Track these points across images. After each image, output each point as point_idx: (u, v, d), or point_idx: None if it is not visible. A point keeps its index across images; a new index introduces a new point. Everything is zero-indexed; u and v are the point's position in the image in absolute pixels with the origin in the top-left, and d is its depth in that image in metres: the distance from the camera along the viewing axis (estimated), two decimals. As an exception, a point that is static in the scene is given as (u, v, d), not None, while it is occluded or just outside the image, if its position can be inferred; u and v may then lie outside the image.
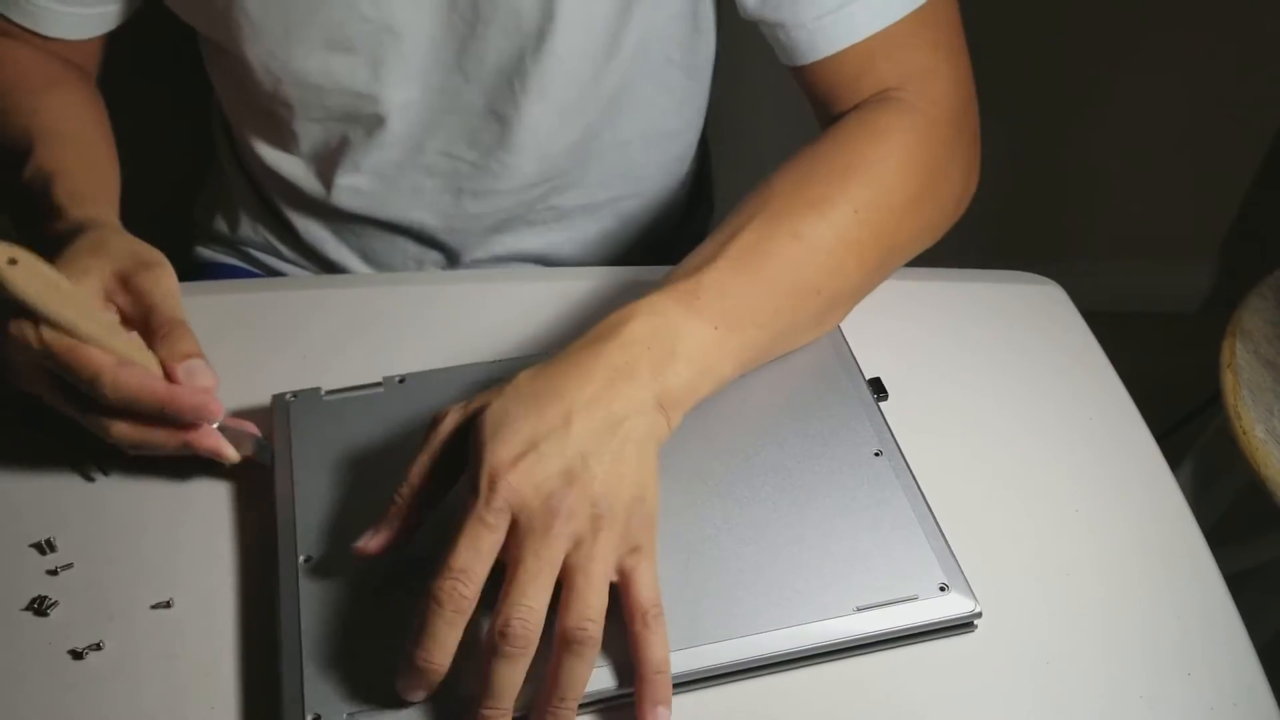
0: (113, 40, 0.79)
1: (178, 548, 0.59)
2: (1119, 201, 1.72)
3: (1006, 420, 0.66)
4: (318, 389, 0.64)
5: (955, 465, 0.63)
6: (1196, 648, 0.56)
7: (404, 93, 0.76)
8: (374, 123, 0.78)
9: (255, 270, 0.94)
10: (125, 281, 0.60)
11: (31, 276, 0.54)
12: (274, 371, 0.67)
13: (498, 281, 0.76)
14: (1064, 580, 0.59)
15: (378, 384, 0.64)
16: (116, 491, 0.61)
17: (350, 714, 0.50)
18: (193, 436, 0.58)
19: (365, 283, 0.78)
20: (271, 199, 0.88)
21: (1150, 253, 1.80)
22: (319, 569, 0.56)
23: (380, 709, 0.51)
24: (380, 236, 0.87)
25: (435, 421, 0.54)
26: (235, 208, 0.92)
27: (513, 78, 0.75)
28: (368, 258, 0.89)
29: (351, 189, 0.83)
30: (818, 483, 0.59)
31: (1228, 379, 0.96)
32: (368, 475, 0.60)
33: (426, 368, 0.65)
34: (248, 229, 0.92)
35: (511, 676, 0.49)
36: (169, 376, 0.58)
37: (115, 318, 0.60)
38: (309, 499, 0.59)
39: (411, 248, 0.88)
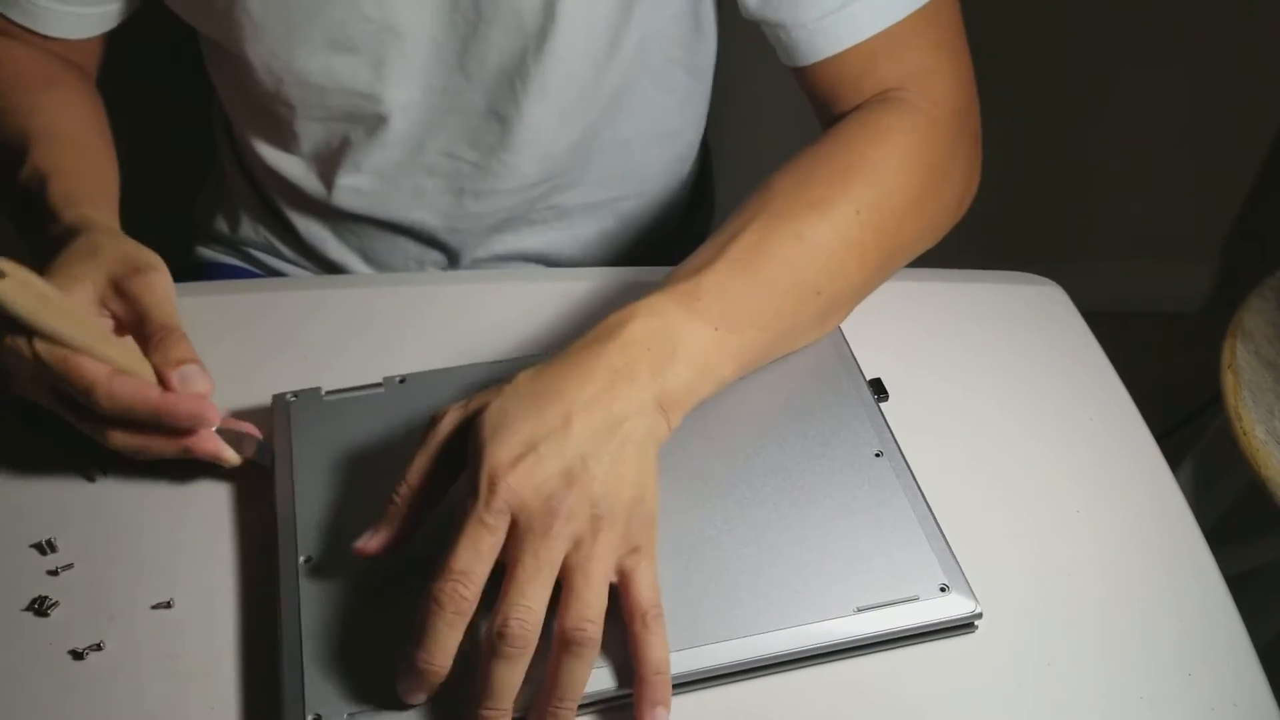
0: (113, 39, 0.79)
1: (178, 548, 0.59)
2: (1120, 201, 1.73)
3: (1007, 421, 0.66)
4: (318, 389, 0.64)
5: (956, 466, 0.63)
6: (1197, 648, 0.56)
7: (406, 93, 0.76)
8: (375, 122, 0.78)
9: (256, 270, 0.94)
10: (118, 287, 0.60)
11: (22, 290, 0.54)
12: (274, 372, 0.67)
13: (498, 282, 0.76)
14: (1064, 581, 0.59)
15: (378, 384, 0.64)
16: (117, 492, 0.61)
17: (351, 714, 0.50)
18: (191, 442, 0.58)
19: (366, 283, 0.78)
20: (272, 199, 0.88)
21: (1151, 253, 1.80)
22: (319, 569, 0.56)
23: (381, 709, 0.51)
24: (381, 236, 0.87)
25: (434, 421, 0.54)
26: (236, 208, 0.92)
27: (514, 78, 0.75)
28: (368, 258, 0.89)
29: (353, 189, 0.83)
30: (818, 483, 0.59)
31: (1228, 380, 0.96)
32: (368, 475, 0.60)
33: (427, 368, 0.65)
34: (248, 229, 0.92)
35: (510, 677, 0.49)
36: (164, 383, 0.58)
37: (109, 325, 0.60)
38: (309, 499, 0.59)
39: (412, 247, 0.88)
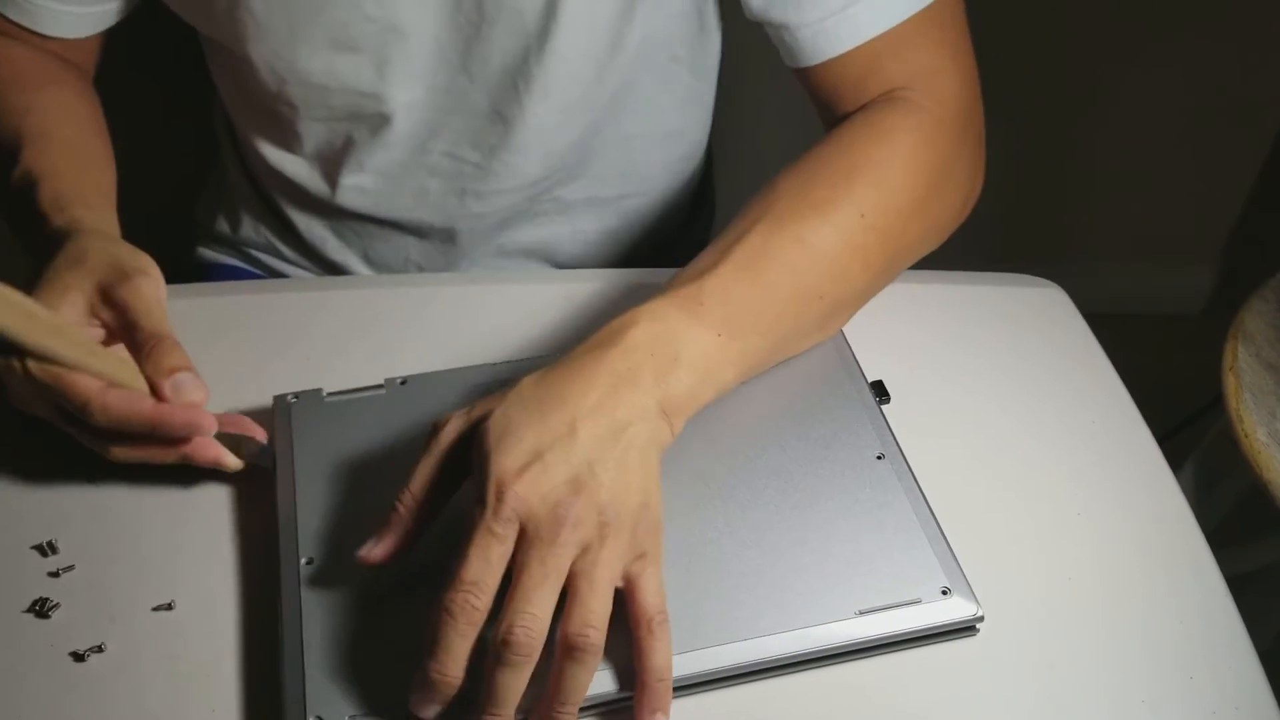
0: (113, 39, 0.79)
1: (179, 550, 0.59)
2: (1121, 202, 1.73)
3: (1008, 423, 0.66)
4: (319, 390, 0.64)
5: (957, 468, 0.63)
6: (1198, 651, 0.56)
7: (409, 92, 0.76)
8: (379, 122, 0.78)
9: (257, 271, 0.94)
10: (107, 295, 0.59)
11: (9, 310, 0.54)
12: (276, 373, 0.67)
13: (500, 283, 0.76)
14: (1066, 583, 0.59)
15: (379, 386, 0.64)
16: (118, 493, 0.61)
17: (352, 716, 0.50)
18: (191, 450, 0.59)
19: (367, 284, 0.78)
20: (274, 199, 0.88)
21: (1152, 254, 1.80)
22: (321, 571, 0.56)
23: (382, 710, 0.51)
24: (383, 236, 0.87)
25: (436, 429, 0.54)
26: (237, 208, 0.92)
27: (516, 78, 0.75)
28: (369, 258, 0.89)
29: (357, 189, 0.83)
30: (820, 486, 0.59)
31: (1229, 382, 0.96)
32: (369, 477, 0.60)
33: (428, 369, 0.65)
34: (249, 229, 0.92)
35: (514, 684, 0.48)
36: (157, 394, 0.58)
37: (99, 336, 0.60)
38: (310, 501, 0.59)
39: (414, 247, 0.88)
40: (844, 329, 0.67)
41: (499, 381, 0.56)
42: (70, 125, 0.73)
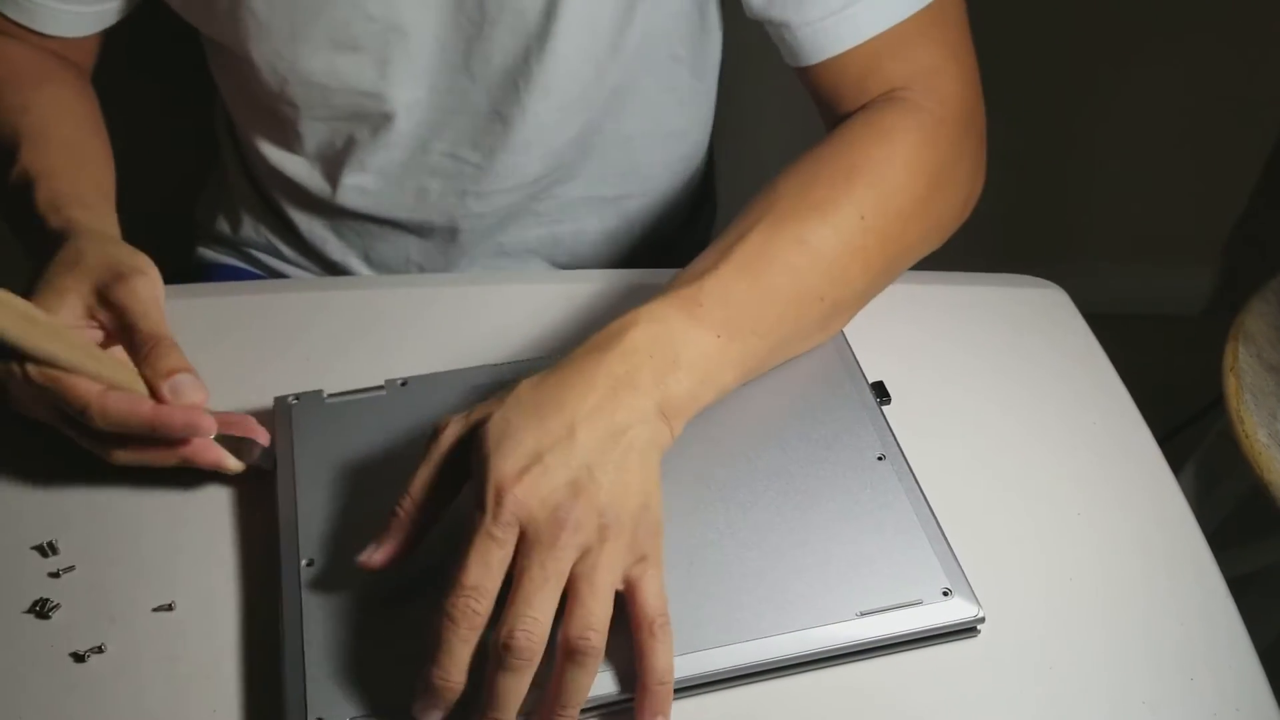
0: (114, 38, 0.79)
1: (179, 550, 0.59)
2: (1121, 203, 1.72)
3: (1009, 424, 0.66)
4: (320, 391, 0.64)
5: (958, 469, 0.63)
6: (1199, 652, 0.56)
7: (410, 92, 0.76)
8: (380, 121, 0.78)
9: (257, 271, 0.94)
10: (104, 296, 0.59)
11: (7, 314, 0.54)
12: (276, 374, 0.67)
13: (500, 284, 0.76)
14: (1066, 584, 0.59)
15: (380, 387, 0.64)
16: (118, 494, 0.61)
17: (353, 717, 0.50)
18: (192, 452, 0.58)
19: (368, 285, 0.78)
20: (274, 199, 0.88)
21: (1152, 255, 1.80)
22: (321, 572, 0.56)
23: (383, 712, 0.51)
24: (383, 236, 0.87)
25: (435, 433, 0.54)
26: (237, 208, 0.92)
27: (517, 78, 0.75)
28: (369, 258, 0.89)
29: (358, 188, 0.83)
30: (820, 487, 0.59)
31: (1230, 383, 0.96)
32: (370, 478, 0.60)
33: (429, 370, 0.65)
34: (250, 230, 0.92)
35: (515, 688, 0.48)
36: (156, 396, 0.58)
37: (98, 338, 0.60)
38: (311, 502, 0.59)
39: (414, 246, 0.88)
40: (845, 330, 0.67)
41: (500, 383, 0.56)
42: (69, 124, 0.73)
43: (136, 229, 0.68)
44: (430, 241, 0.87)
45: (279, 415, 0.63)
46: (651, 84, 0.80)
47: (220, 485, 0.62)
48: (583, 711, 0.51)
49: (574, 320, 0.71)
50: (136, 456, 0.58)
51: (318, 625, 0.53)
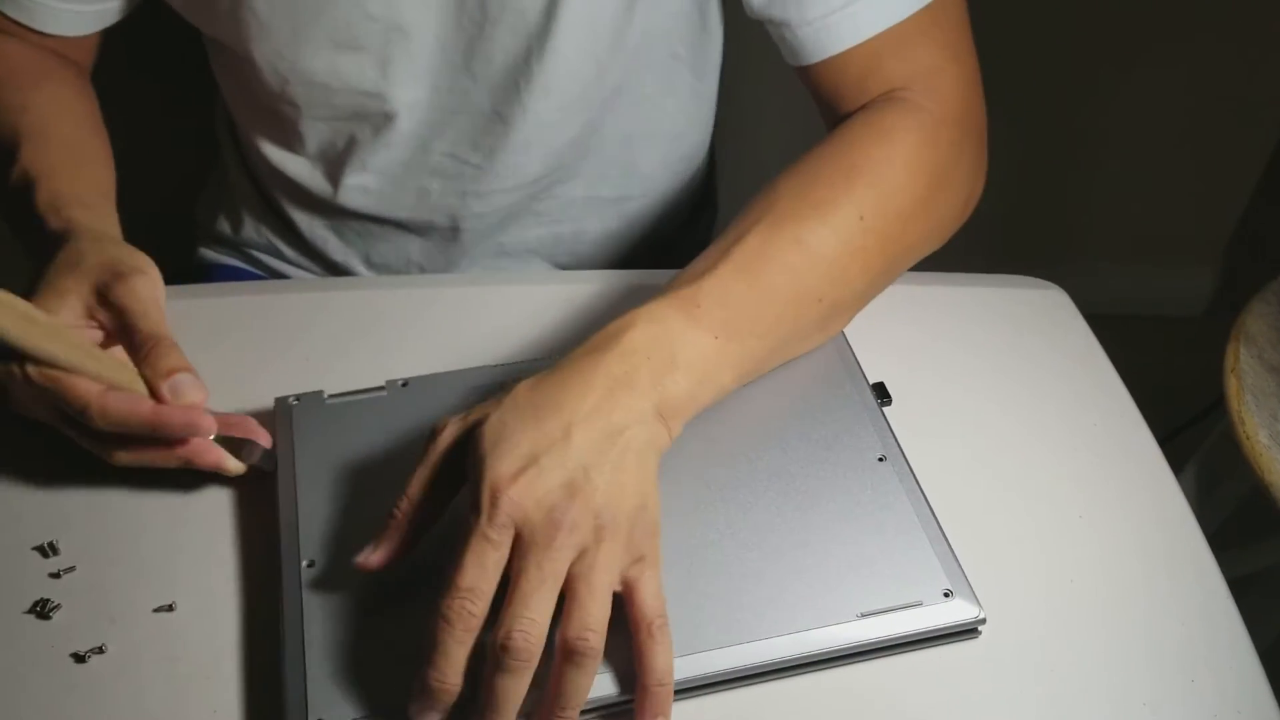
0: (114, 38, 0.79)
1: (180, 551, 0.59)
2: (1122, 203, 1.72)
3: (1010, 425, 0.66)
4: (320, 392, 0.64)
5: (959, 470, 0.63)
6: (1200, 653, 0.56)
7: (412, 92, 0.76)
8: (382, 121, 0.78)
9: (258, 272, 0.94)
10: (103, 296, 0.59)
11: (7, 314, 0.54)
12: (277, 374, 0.67)
13: (501, 284, 0.76)
14: (1067, 586, 0.59)
15: (380, 388, 0.64)
16: (119, 495, 0.61)
17: (354, 718, 0.50)
18: (193, 454, 0.58)
19: (368, 285, 0.78)
20: (275, 199, 0.88)
21: (1153, 255, 1.80)
22: (322, 573, 0.56)
23: (384, 713, 0.51)
24: (384, 236, 0.87)
25: (433, 434, 0.54)
26: (238, 208, 0.92)
27: (518, 78, 0.75)
28: (370, 258, 0.89)
29: (359, 188, 0.83)
30: (821, 488, 0.59)
31: (1231, 384, 0.95)
32: (370, 479, 0.60)
33: (430, 371, 0.65)
34: (250, 230, 0.92)
35: (514, 689, 0.48)
36: (156, 396, 0.58)
37: (98, 338, 0.60)
38: (312, 503, 0.59)
39: (415, 246, 0.88)
40: (845, 330, 0.67)
41: (500, 383, 0.56)
42: (68, 123, 0.73)
43: (137, 229, 0.68)
44: (431, 241, 0.87)
45: (279, 416, 0.63)
46: (652, 83, 0.80)
47: (221, 486, 0.62)
48: (583, 713, 0.51)
49: (575, 321, 0.71)
50: (137, 457, 0.59)
51: (318, 626, 0.53)
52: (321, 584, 0.55)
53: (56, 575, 0.58)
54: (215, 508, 0.61)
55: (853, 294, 0.64)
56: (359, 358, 0.68)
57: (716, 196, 1.01)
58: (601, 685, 0.51)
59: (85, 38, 0.77)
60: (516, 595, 0.49)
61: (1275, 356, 0.97)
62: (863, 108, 0.69)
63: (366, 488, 0.59)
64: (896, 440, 0.61)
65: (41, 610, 0.56)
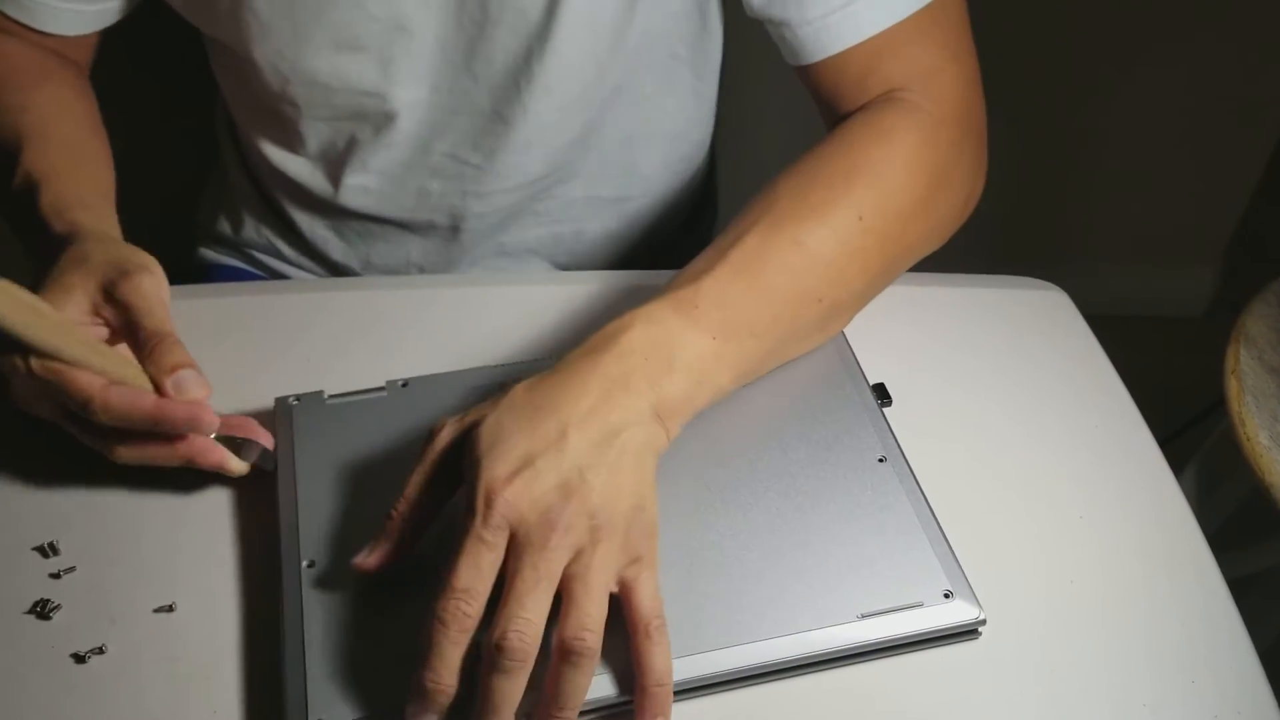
0: (115, 38, 0.79)
1: (180, 551, 0.59)
2: (1122, 204, 1.72)
3: (1010, 426, 0.66)
4: (320, 392, 0.64)
5: (959, 471, 0.63)
6: (1200, 654, 0.56)
7: (412, 92, 0.76)
8: (383, 121, 0.78)
9: (258, 272, 0.94)
10: (109, 294, 0.59)
11: (14, 306, 0.54)
12: (277, 374, 0.67)
13: (501, 285, 0.76)
14: (1068, 586, 0.58)
15: (381, 388, 0.64)
16: (119, 495, 0.61)
17: (354, 718, 0.50)
18: (194, 453, 0.58)
19: (369, 285, 0.78)
20: (276, 199, 0.88)
21: (1153, 256, 1.80)
22: (322, 573, 0.56)
23: (384, 713, 0.51)
24: (384, 236, 0.87)
25: (431, 435, 0.54)
26: (239, 209, 0.92)
27: (519, 77, 0.75)
28: (370, 258, 0.89)
29: (360, 188, 0.83)
30: (821, 489, 0.59)
31: (1231, 385, 0.95)
32: (371, 479, 0.60)
33: (430, 371, 0.65)
34: (251, 230, 0.92)
35: (510, 690, 0.48)
36: (160, 392, 0.58)
37: (103, 334, 0.60)
38: (312, 503, 0.59)
39: (415, 246, 0.88)
40: (845, 331, 0.67)
41: (500, 384, 0.56)
42: (68, 123, 0.73)
43: (138, 229, 0.68)
44: (431, 241, 0.87)
45: (280, 416, 0.63)
46: (652, 83, 0.80)
47: (221, 486, 0.62)
48: (582, 713, 0.51)
49: (574, 321, 0.71)
50: (138, 454, 0.58)
51: (319, 626, 0.53)
52: (322, 584, 0.55)
53: (56, 575, 0.58)
54: (215, 508, 0.61)
55: (852, 294, 0.64)
56: (359, 358, 0.68)
57: (716, 197, 1.01)
58: (601, 686, 0.51)
59: (85, 37, 0.77)
60: (511, 596, 0.49)
61: (1276, 358, 0.97)
62: (862, 108, 0.69)
63: (367, 488, 0.59)
64: (897, 441, 0.61)
65: (41, 610, 0.56)
